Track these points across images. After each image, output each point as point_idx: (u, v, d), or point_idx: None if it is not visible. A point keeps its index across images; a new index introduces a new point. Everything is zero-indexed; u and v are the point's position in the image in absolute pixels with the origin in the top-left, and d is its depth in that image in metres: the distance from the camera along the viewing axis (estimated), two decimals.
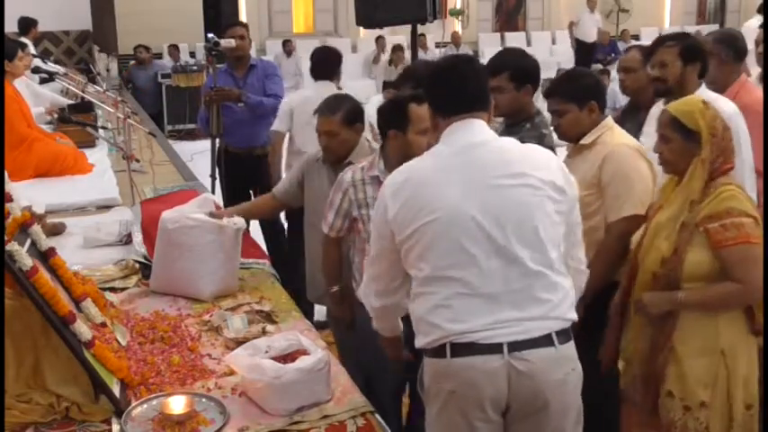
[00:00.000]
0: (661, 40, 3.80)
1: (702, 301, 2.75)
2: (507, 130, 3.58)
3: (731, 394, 2.73)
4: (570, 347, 2.34)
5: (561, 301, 2.32)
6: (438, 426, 2.38)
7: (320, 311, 4.36)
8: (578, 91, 3.38)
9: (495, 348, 2.25)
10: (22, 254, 2.22)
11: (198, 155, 8.46)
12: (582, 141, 3.36)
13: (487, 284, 2.27)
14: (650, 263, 2.83)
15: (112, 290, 3.22)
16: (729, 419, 2.73)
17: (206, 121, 5.49)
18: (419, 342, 2.38)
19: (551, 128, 3.55)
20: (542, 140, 3.45)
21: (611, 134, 3.33)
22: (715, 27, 21.35)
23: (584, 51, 17.76)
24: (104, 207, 4.50)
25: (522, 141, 3.36)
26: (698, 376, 2.74)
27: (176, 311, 3.04)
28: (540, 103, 4.13)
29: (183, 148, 9.28)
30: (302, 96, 5.34)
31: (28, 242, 2.42)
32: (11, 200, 2.80)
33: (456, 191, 2.30)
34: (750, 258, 2.66)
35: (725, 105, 3.58)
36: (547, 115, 3.63)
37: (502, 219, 2.28)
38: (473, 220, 2.27)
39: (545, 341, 2.27)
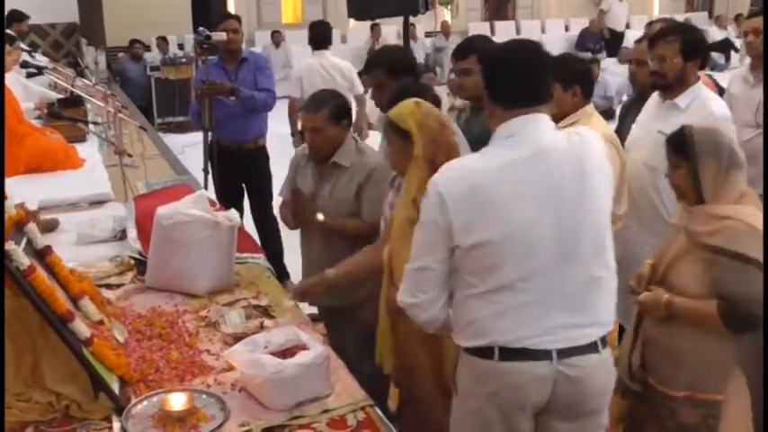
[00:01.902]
0: (662, 33, 3.78)
1: None
2: (476, 113, 3.62)
3: None
4: (608, 351, 2.36)
5: (605, 304, 2.32)
6: (471, 423, 2.38)
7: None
8: (565, 72, 3.44)
9: (544, 355, 2.25)
10: (18, 253, 2.21)
11: (189, 147, 8.43)
12: (558, 125, 3.41)
13: (549, 294, 2.24)
14: (402, 258, 2.75)
15: (108, 286, 3.21)
16: None
17: (198, 114, 5.47)
18: (462, 341, 2.36)
19: None
20: None
21: (589, 121, 3.36)
22: (704, 15, 21.45)
23: (614, 39, 17.79)
24: (97, 203, 4.48)
25: None
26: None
27: (173, 307, 3.04)
28: None
29: (173, 140, 9.26)
30: (307, 65, 6.64)
31: (24, 241, 2.41)
32: (5, 198, 2.80)
33: (531, 205, 2.23)
34: None
35: (716, 108, 3.60)
36: None
37: (576, 231, 2.25)
38: (548, 234, 2.23)
39: (591, 348, 2.29)
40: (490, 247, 2.23)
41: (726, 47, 15.31)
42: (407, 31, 5.62)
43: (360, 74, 5.88)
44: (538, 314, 2.25)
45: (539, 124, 2.32)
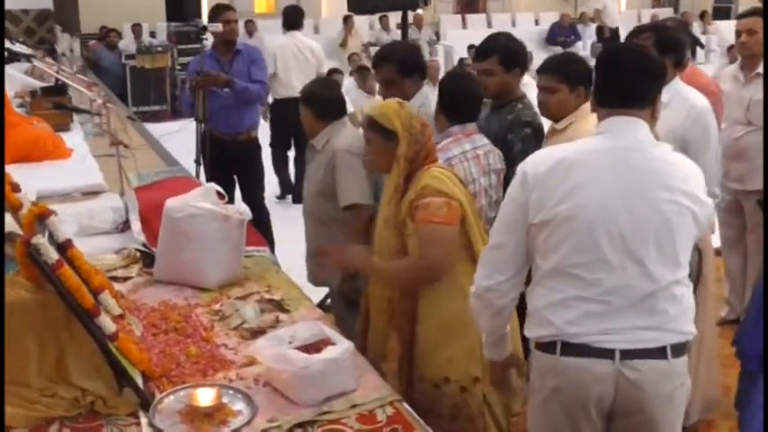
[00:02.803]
0: (636, 31, 3.89)
1: (388, 271, 2.96)
2: (496, 111, 3.69)
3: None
4: (682, 362, 2.34)
5: (680, 313, 2.32)
6: (539, 419, 2.42)
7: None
8: (572, 74, 3.49)
9: (606, 353, 2.26)
10: (47, 247, 2.18)
11: (165, 137, 8.33)
12: (556, 126, 3.47)
13: (613, 292, 2.26)
14: (384, 258, 2.98)
15: (114, 279, 3.17)
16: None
17: (190, 105, 5.43)
18: (529, 333, 2.41)
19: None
20: (535, 118, 3.68)
21: (585, 121, 3.39)
22: (669, 10, 21.71)
23: (610, 36, 18.01)
24: (90, 193, 4.43)
25: (517, 120, 3.51)
26: (467, 355, 2.86)
27: (184, 300, 3.01)
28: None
29: (149, 130, 9.15)
30: (280, 44, 7.65)
31: (46, 234, 2.38)
32: (18, 190, 2.76)
33: (606, 192, 2.27)
34: (430, 237, 2.81)
35: (697, 100, 3.68)
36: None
37: (645, 231, 2.26)
38: (616, 226, 2.25)
39: (658, 353, 2.28)
40: (555, 224, 2.29)
41: (692, 44, 15.50)
42: (405, 26, 5.61)
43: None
44: (600, 312, 2.26)
45: (633, 126, 2.35)
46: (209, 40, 5.52)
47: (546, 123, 3.66)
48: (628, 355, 2.26)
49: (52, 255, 2.19)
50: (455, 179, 2.94)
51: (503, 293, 2.43)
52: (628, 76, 2.36)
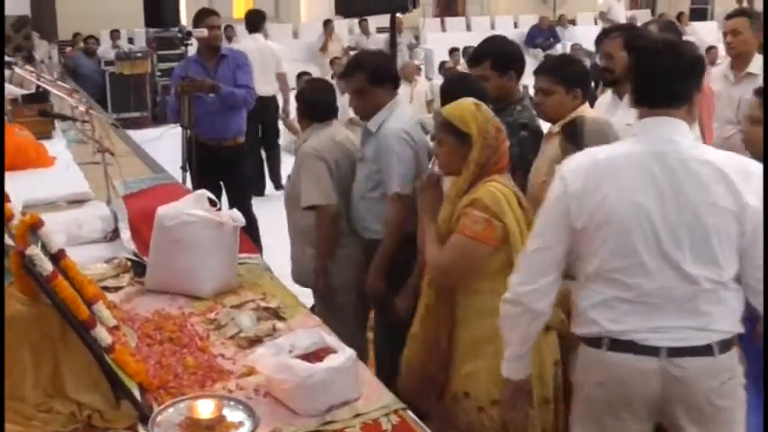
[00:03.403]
0: (606, 32, 3.92)
1: (428, 243, 2.93)
2: (495, 115, 3.65)
3: None
4: (730, 356, 2.34)
5: (724, 315, 2.30)
6: (582, 412, 2.43)
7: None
8: (569, 75, 3.48)
9: (652, 351, 2.27)
10: (41, 258, 2.13)
11: (146, 144, 8.25)
12: (553, 128, 3.46)
13: (653, 295, 2.27)
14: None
15: (105, 289, 3.11)
16: (525, 415, 2.76)
17: (176, 111, 5.38)
18: (576, 329, 2.42)
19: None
20: (533, 121, 3.67)
21: None
22: (647, 12, 21.81)
23: None
24: (75, 202, 4.36)
25: (514, 123, 3.48)
26: (489, 375, 2.78)
27: (178, 310, 2.96)
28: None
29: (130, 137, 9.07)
30: (244, 46, 7.62)
31: (39, 245, 2.32)
32: (8, 200, 2.70)
33: (640, 196, 2.25)
34: (456, 247, 2.79)
35: None
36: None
37: (679, 234, 2.25)
38: (651, 230, 2.24)
39: (704, 350, 2.28)
40: (593, 229, 2.30)
41: None
42: (394, 30, 5.59)
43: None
44: (642, 312, 2.28)
45: (667, 127, 2.33)
46: (193, 46, 5.46)
47: (545, 126, 3.64)
48: (673, 352, 2.27)
49: (47, 266, 2.13)
50: (513, 198, 2.81)
51: (543, 295, 2.41)
52: (661, 75, 2.33)
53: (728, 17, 4.76)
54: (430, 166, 3.51)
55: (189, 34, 5.23)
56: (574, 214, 2.32)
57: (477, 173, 2.82)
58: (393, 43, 5.65)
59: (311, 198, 3.79)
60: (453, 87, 3.57)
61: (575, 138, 2.94)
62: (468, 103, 2.93)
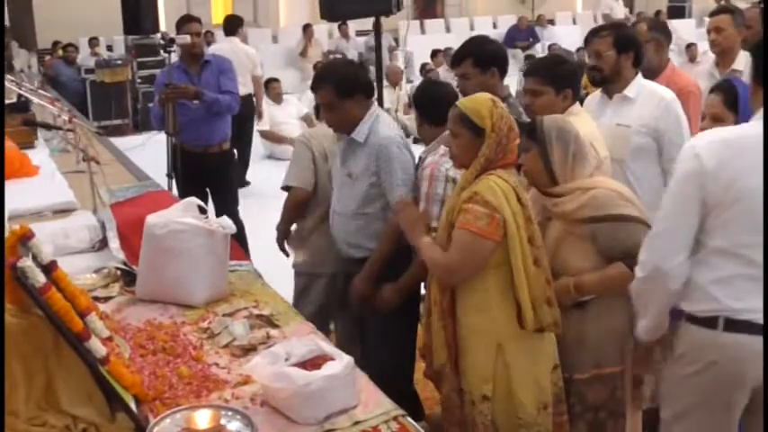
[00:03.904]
0: (595, 31, 3.93)
1: (425, 250, 2.93)
2: None
3: (513, 391, 2.79)
4: None
5: None
6: (686, 388, 2.45)
7: None
8: (558, 76, 3.48)
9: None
10: (34, 269, 2.09)
11: (128, 151, 8.20)
12: None
13: None
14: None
15: (95, 299, 3.07)
16: (516, 416, 2.79)
17: (160, 119, 5.33)
18: (687, 306, 2.45)
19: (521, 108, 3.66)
20: (520, 117, 3.57)
21: (578, 122, 3.37)
22: (625, 11, 21.90)
23: None
24: (60, 211, 4.32)
25: None
26: (478, 370, 2.81)
27: (169, 319, 2.93)
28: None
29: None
30: (219, 48, 8.20)
31: (29, 256, 2.28)
32: None
33: (765, 177, 2.30)
34: (461, 243, 2.76)
35: (664, 92, 3.73)
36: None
37: None
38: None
39: None
40: (724, 206, 2.34)
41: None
42: (379, 32, 5.56)
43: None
44: (761, 291, 2.31)
45: None
46: (176, 52, 5.42)
47: None
48: None
49: (39, 278, 2.10)
50: (512, 193, 2.76)
51: (679, 274, 2.45)
52: None
53: (712, 14, 4.78)
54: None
55: (172, 41, 5.17)
56: (709, 190, 2.36)
57: (485, 167, 2.80)
58: (378, 47, 5.61)
59: (289, 179, 3.96)
60: (422, 93, 3.67)
61: (535, 135, 2.95)
62: (484, 97, 2.90)
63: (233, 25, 8.79)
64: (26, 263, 2.09)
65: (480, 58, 3.66)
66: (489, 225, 2.71)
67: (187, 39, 5.14)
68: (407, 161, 3.53)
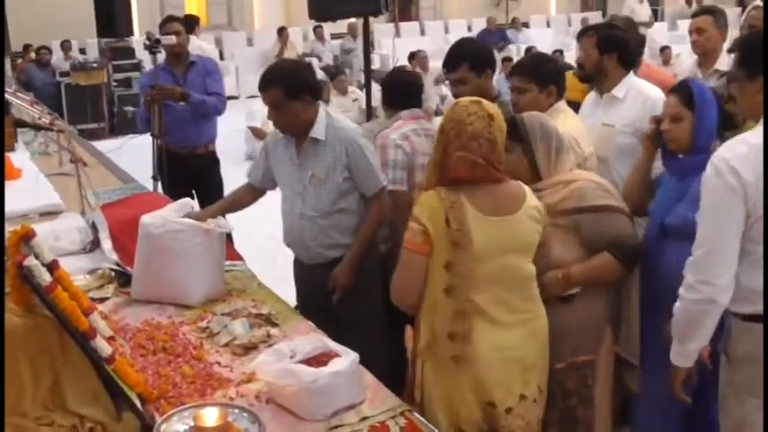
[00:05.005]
0: (584, 30, 3.99)
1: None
2: None
3: (428, 406, 2.70)
4: None
5: None
6: (753, 387, 2.44)
7: None
8: (541, 73, 3.53)
9: None
10: (40, 268, 2.09)
11: (107, 155, 8.15)
12: None
13: None
14: None
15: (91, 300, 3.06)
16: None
17: (146, 120, 5.28)
18: (743, 309, 2.45)
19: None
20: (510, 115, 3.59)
21: (558, 117, 3.42)
22: (598, 14, 22.11)
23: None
24: (46, 214, 4.28)
25: None
26: (416, 376, 2.75)
27: (167, 319, 2.93)
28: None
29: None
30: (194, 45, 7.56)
31: (32, 256, 2.27)
32: None
33: None
34: (400, 263, 2.68)
35: (651, 92, 3.77)
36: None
37: None
38: None
39: None
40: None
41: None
42: (368, 32, 5.55)
43: None
44: None
45: None
46: (162, 54, 5.38)
47: None
48: None
49: (45, 277, 2.10)
50: (440, 213, 2.57)
51: (727, 289, 2.42)
52: None
53: (694, 15, 4.83)
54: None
55: (158, 42, 5.14)
56: (752, 200, 2.34)
57: (437, 176, 2.68)
58: (366, 47, 5.57)
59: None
60: (390, 77, 4.03)
61: (518, 134, 2.97)
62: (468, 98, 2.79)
63: (192, 24, 8.84)
64: (32, 262, 2.08)
65: (476, 61, 3.68)
66: (424, 241, 2.59)
67: (173, 39, 5.10)
68: (372, 148, 3.56)
